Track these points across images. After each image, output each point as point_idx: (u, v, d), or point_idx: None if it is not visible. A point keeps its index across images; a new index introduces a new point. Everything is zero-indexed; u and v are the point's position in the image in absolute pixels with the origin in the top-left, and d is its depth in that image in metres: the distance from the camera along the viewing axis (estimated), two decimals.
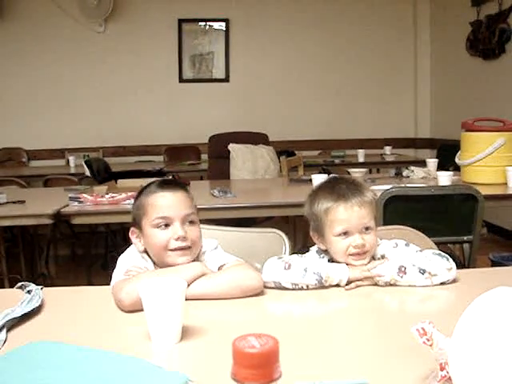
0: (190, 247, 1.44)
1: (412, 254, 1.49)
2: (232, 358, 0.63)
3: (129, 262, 1.47)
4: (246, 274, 1.40)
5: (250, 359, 0.61)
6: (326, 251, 1.53)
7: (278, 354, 0.64)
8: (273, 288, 1.45)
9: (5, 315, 1.21)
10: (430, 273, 1.41)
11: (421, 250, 1.51)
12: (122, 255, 1.51)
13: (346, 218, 1.44)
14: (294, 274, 1.43)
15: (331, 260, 1.51)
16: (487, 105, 5.41)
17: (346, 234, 1.46)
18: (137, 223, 1.49)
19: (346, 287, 1.43)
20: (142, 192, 1.52)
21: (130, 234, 1.52)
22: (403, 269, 1.41)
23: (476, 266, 2.68)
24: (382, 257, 1.51)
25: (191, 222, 1.47)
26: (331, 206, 1.46)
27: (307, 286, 1.43)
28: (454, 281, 1.44)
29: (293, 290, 1.43)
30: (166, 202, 1.45)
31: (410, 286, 1.42)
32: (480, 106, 5.48)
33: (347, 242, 1.45)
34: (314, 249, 1.59)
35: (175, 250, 1.43)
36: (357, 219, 1.44)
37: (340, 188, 1.49)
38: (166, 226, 1.44)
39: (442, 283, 1.42)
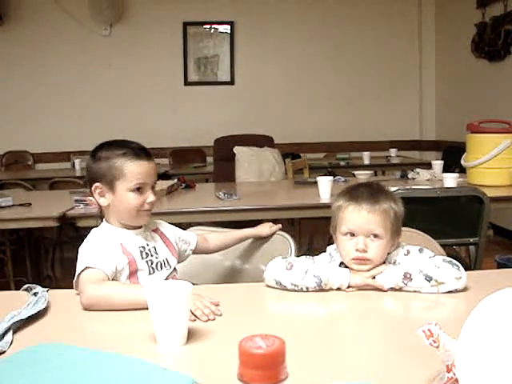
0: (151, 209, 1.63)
1: (421, 260, 1.46)
2: (238, 359, 0.63)
3: (101, 238, 1.58)
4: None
5: (257, 360, 0.61)
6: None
7: (285, 355, 0.64)
8: (275, 288, 1.46)
9: (11, 317, 1.21)
10: (436, 280, 1.38)
11: (434, 256, 1.48)
12: (90, 236, 1.59)
13: (352, 218, 1.45)
14: (294, 275, 1.43)
15: (342, 263, 1.51)
16: (492, 106, 5.40)
17: (352, 235, 1.45)
18: (104, 181, 1.58)
19: (347, 290, 1.42)
20: (109, 150, 1.61)
21: (92, 189, 1.60)
22: (409, 275, 1.39)
23: (482, 268, 2.66)
24: (394, 263, 1.49)
25: (153, 187, 1.64)
26: (342, 205, 1.48)
27: (307, 288, 1.42)
28: (464, 288, 1.40)
29: (293, 291, 1.43)
30: (144, 170, 1.59)
31: (415, 292, 1.40)
32: (485, 108, 5.47)
33: (351, 244, 1.44)
34: (329, 249, 1.59)
35: (145, 211, 1.60)
36: (362, 223, 1.43)
37: (357, 191, 1.50)
38: (139, 190, 1.58)
39: (449, 292, 1.39)
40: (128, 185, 1.57)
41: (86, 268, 1.44)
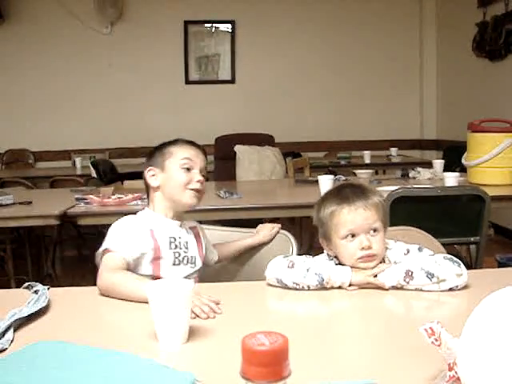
0: (200, 192, 1.71)
1: (421, 258, 1.46)
2: (241, 356, 0.63)
3: (133, 221, 1.66)
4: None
5: (260, 357, 0.61)
6: (336, 257, 1.52)
7: (288, 352, 0.64)
8: (276, 286, 1.45)
9: (12, 315, 1.21)
10: (438, 277, 1.37)
11: (433, 254, 1.48)
12: (124, 218, 1.68)
13: (350, 219, 1.44)
14: (296, 273, 1.43)
15: (339, 264, 1.50)
16: (493, 106, 5.40)
17: (352, 236, 1.45)
18: (157, 164, 1.71)
19: (349, 288, 1.42)
20: (166, 145, 1.75)
21: (145, 172, 1.73)
22: (410, 273, 1.38)
23: (482, 267, 2.66)
24: (395, 263, 1.48)
25: (202, 173, 1.72)
26: (335, 209, 1.47)
27: (308, 287, 1.42)
28: (465, 287, 1.40)
29: (295, 289, 1.43)
30: (191, 151, 1.72)
31: (416, 289, 1.40)
32: (486, 107, 5.47)
33: (354, 245, 1.44)
34: (326, 251, 1.58)
35: (193, 189, 1.68)
36: (362, 220, 1.44)
37: (344, 191, 1.50)
38: (188, 170, 1.68)
39: (450, 289, 1.38)
40: (177, 162, 1.68)
41: (107, 250, 1.53)
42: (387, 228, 1.52)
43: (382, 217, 1.47)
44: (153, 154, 1.77)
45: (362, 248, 1.43)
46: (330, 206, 1.48)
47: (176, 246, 1.67)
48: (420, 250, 1.51)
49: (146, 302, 1.13)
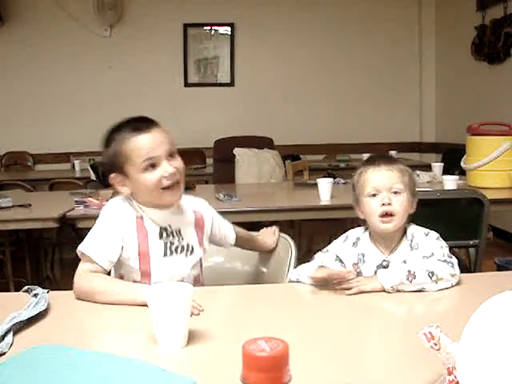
0: (179, 181, 1.51)
1: (419, 259, 1.52)
2: (242, 362, 0.63)
3: (116, 211, 1.53)
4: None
5: (261, 363, 0.61)
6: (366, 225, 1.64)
7: (288, 358, 0.64)
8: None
9: (11, 318, 1.21)
10: (437, 276, 1.43)
11: (438, 238, 1.57)
12: (109, 206, 1.56)
13: (374, 178, 1.57)
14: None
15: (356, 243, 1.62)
16: (492, 109, 5.40)
17: (376, 195, 1.56)
18: (117, 170, 1.51)
19: (348, 292, 1.43)
20: (112, 139, 1.54)
21: (111, 180, 1.53)
22: (412, 272, 1.43)
23: (482, 270, 2.66)
24: (411, 247, 1.56)
25: (172, 156, 1.52)
26: (362, 170, 1.61)
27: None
28: (465, 290, 1.44)
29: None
30: (147, 145, 1.48)
31: (417, 290, 1.42)
32: (485, 110, 5.47)
33: (376, 202, 1.55)
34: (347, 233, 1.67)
35: (167, 188, 1.49)
36: (384, 179, 1.55)
37: (374, 158, 1.65)
38: (153, 166, 1.47)
39: (445, 288, 1.44)
40: (136, 166, 1.47)
41: (84, 255, 1.46)
42: (415, 199, 1.60)
43: (406, 182, 1.57)
44: (105, 152, 1.56)
45: (383, 204, 1.53)
46: (360, 168, 1.63)
47: (167, 235, 1.55)
48: (438, 239, 1.58)
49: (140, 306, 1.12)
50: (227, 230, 1.77)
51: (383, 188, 1.55)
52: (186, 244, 1.58)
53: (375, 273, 1.52)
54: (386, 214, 1.53)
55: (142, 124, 1.52)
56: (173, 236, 1.56)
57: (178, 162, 1.53)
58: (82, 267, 1.47)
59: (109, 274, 1.52)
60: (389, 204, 1.53)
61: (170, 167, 1.48)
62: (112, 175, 1.53)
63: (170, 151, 1.51)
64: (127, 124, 1.53)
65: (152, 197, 1.50)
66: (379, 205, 1.54)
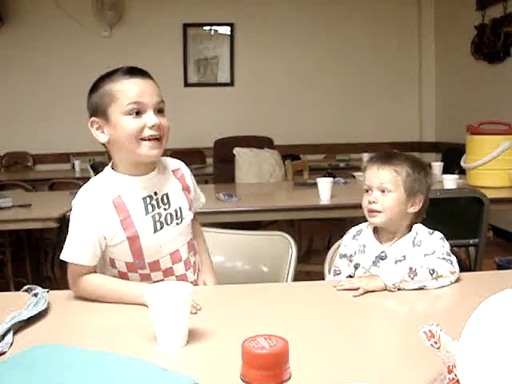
0: (160, 138, 1.44)
1: (420, 256, 1.53)
2: (241, 359, 0.63)
3: (88, 202, 1.42)
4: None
5: (260, 360, 0.61)
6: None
7: (288, 355, 0.64)
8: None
9: (11, 318, 1.21)
10: (437, 273, 1.45)
11: (443, 246, 1.55)
12: (80, 197, 1.44)
13: (367, 175, 1.64)
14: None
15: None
16: (492, 108, 5.40)
17: (367, 191, 1.63)
18: (99, 113, 1.41)
19: (354, 294, 1.44)
20: (102, 80, 1.44)
21: (89, 125, 1.43)
22: (414, 269, 1.44)
23: (482, 269, 2.66)
24: (414, 243, 1.58)
25: (160, 112, 1.45)
26: (366, 166, 1.68)
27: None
28: (465, 289, 1.45)
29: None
30: (138, 88, 1.40)
31: (419, 287, 1.43)
32: (485, 110, 5.47)
33: (366, 198, 1.62)
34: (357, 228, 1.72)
35: (148, 139, 1.40)
36: (373, 177, 1.61)
37: (374, 155, 1.70)
38: (138, 114, 1.39)
39: (445, 286, 1.45)
40: (121, 108, 1.38)
41: (70, 263, 1.43)
42: (418, 198, 1.60)
43: (401, 182, 1.58)
44: (90, 96, 1.44)
45: (369, 201, 1.60)
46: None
47: (153, 206, 1.46)
48: (442, 239, 1.58)
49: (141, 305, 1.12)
50: (199, 192, 1.73)
51: (372, 186, 1.61)
52: (173, 211, 1.51)
53: (373, 263, 1.57)
54: (371, 210, 1.60)
55: (136, 70, 1.45)
56: (158, 206, 1.47)
57: (165, 120, 1.45)
58: (72, 273, 1.44)
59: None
60: (374, 202, 1.59)
61: (156, 119, 1.40)
62: (92, 118, 1.43)
63: (159, 106, 1.44)
64: (120, 69, 1.45)
65: (129, 146, 1.40)
66: (367, 201, 1.62)
